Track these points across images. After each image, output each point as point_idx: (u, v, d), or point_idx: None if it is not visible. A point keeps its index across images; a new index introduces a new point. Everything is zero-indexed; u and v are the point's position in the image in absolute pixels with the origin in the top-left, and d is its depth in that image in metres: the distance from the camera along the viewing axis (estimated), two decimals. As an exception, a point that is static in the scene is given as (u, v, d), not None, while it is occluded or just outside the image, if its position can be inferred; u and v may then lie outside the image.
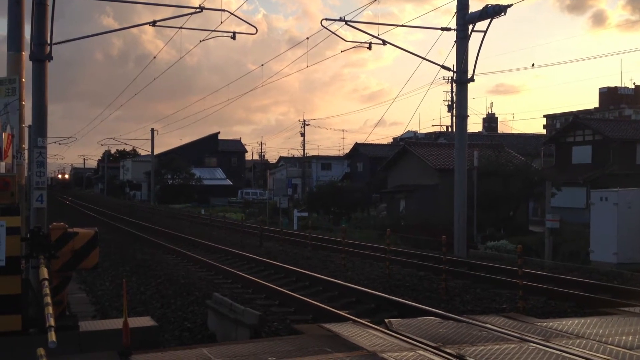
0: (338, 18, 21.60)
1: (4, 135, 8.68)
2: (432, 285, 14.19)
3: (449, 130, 61.05)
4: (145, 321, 8.06)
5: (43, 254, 7.00)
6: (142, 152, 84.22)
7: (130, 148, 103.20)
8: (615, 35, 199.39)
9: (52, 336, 4.78)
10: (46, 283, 6.02)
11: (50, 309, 5.33)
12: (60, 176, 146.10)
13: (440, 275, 14.15)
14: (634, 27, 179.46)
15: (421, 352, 6.89)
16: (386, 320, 8.63)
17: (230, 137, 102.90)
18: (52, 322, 5.05)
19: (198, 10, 17.30)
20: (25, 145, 13.03)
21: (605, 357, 6.77)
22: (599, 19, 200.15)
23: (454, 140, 23.22)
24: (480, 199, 26.60)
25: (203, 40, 21.35)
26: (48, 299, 5.59)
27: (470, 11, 21.33)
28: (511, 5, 19.63)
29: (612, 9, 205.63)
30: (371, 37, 22.28)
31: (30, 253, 7.13)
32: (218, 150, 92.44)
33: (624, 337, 7.69)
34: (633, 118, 77.99)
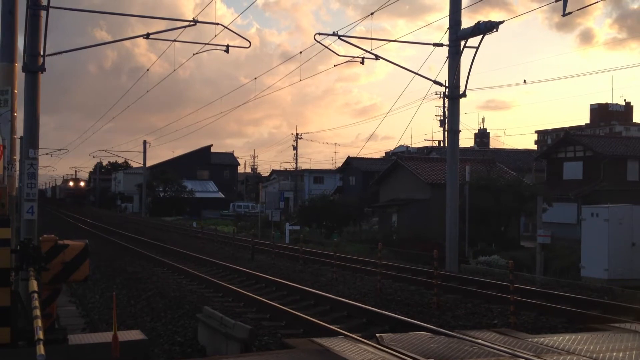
0: (331, 33, 21.72)
1: (-4, 146, 8.65)
2: (423, 299, 14.17)
3: (441, 145, 61.30)
4: (135, 335, 8.01)
5: (33, 266, 6.95)
6: (134, 164, 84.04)
7: (122, 160, 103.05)
8: (602, 53, 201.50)
9: (40, 349, 4.75)
10: (36, 295, 5.98)
11: (39, 322, 5.29)
12: (71, 184, 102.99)
13: (432, 289, 14.14)
14: (621, 45, 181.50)
15: (412, 367, 6.87)
16: (377, 335, 8.61)
17: (223, 150, 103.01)
18: (41, 334, 5.01)
19: (192, 23, 17.35)
20: (17, 157, 12.98)
21: (596, 373, 6.77)
22: (586, 37, 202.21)
23: (446, 155, 23.29)
24: (471, 214, 26.66)
25: (196, 53, 21.40)
26: (37, 312, 5.55)
27: (462, 27, 21.49)
28: (503, 21, 19.81)
29: (600, 27, 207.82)
30: (364, 51, 22.42)
31: (20, 265, 7.08)
32: (210, 163, 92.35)
33: (614, 354, 7.70)
34: (624, 134, 78.58)
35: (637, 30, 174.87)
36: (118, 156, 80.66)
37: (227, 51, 19.25)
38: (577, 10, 17.08)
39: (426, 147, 68.97)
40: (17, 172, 13.17)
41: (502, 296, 13.58)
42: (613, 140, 46.05)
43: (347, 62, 24.54)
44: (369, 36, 23.02)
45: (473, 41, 21.19)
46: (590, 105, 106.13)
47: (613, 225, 18.67)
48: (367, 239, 35.14)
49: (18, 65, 13.02)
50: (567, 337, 8.69)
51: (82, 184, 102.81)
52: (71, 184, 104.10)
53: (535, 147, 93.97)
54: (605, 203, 21.55)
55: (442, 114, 59.44)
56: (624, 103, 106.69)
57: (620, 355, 7.64)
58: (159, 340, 10.25)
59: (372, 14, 22.14)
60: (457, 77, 21.87)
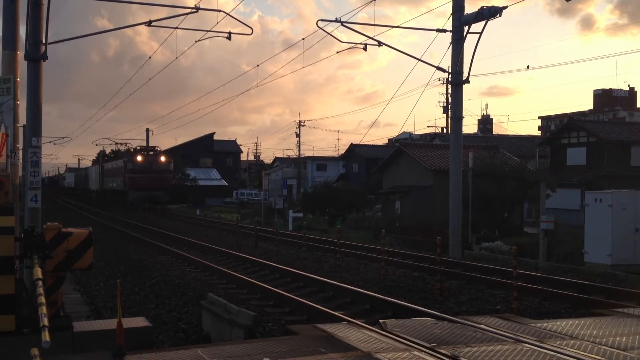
0: (334, 19, 21.65)
1: (-2, 134, 8.65)
2: (426, 286, 14.19)
3: (444, 131, 61.16)
4: (140, 322, 8.04)
5: (37, 254, 6.97)
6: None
7: (125, 148, 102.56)
8: (603, 39, 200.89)
9: (45, 336, 4.77)
10: (40, 283, 6.00)
11: (44, 309, 5.32)
12: (140, 158, 50.71)
13: (435, 276, 14.16)
14: (622, 30, 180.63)
15: (415, 352, 6.89)
16: (381, 320, 8.63)
17: (226, 138, 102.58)
18: (45, 322, 5.03)
19: (194, 10, 17.31)
20: (20, 145, 13.00)
21: (599, 358, 6.79)
22: (587, 23, 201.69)
23: (449, 142, 23.25)
24: (475, 200, 26.65)
25: (198, 40, 21.41)
26: (42, 299, 5.57)
27: (465, 13, 21.38)
28: (506, 7, 19.73)
29: (600, 13, 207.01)
30: (367, 38, 22.33)
31: (24, 253, 7.10)
32: (213, 151, 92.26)
33: (617, 338, 7.71)
34: (627, 120, 78.26)
35: (638, 16, 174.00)
36: (121, 144, 79.66)
37: (229, 38, 19.23)
38: (581, -6, 16.96)
39: (429, 134, 68.80)
40: (21, 161, 13.19)
41: (505, 282, 13.61)
42: (617, 126, 45.88)
43: (349, 48, 24.50)
44: (371, 23, 22.97)
45: (476, 27, 21.14)
46: (594, 90, 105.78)
47: (616, 210, 18.64)
48: (370, 226, 35.17)
49: (20, 53, 13.02)
50: (571, 322, 8.71)
51: (162, 159, 51.49)
52: (139, 158, 50.55)
53: (538, 133, 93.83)
54: (609, 189, 21.51)
55: (445, 100, 59.30)
56: (627, 88, 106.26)
57: (624, 340, 7.65)
58: (163, 327, 10.31)
59: (374, 0, 22.04)
60: (460, 63, 21.78)
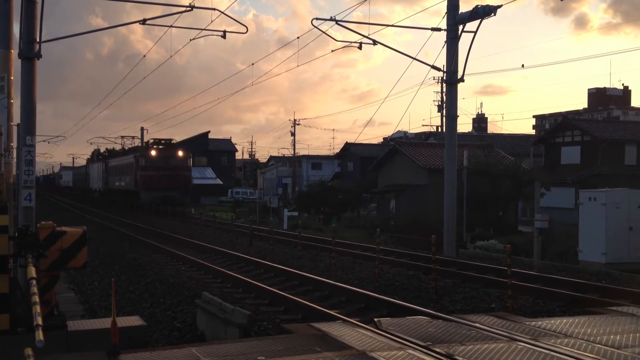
0: (328, 18, 21.64)
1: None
2: (421, 284, 14.21)
3: (439, 130, 61.26)
4: (134, 321, 8.03)
5: (31, 253, 6.95)
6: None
7: (120, 147, 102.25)
8: (597, 38, 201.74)
9: (39, 335, 4.76)
10: (34, 282, 5.98)
11: (38, 308, 5.30)
12: (154, 153, 45.92)
13: (430, 274, 14.18)
14: (616, 29, 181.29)
15: (410, 351, 6.90)
16: (375, 319, 8.64)
17: (220, 137, 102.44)
18: (39, 321, 5.01)
19: (188, 9, 17.28)
20: (14, 144, 12.96)
21: (594, 356, 6.81)
22: (581, 22, 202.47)
23: (444, 140, 23.28)
24: (469, 199, 26.69)
25: (193, 39, 21.30)
26: (36, 298, 5.56)
27: (460, 12, 21.40)
28: (501, 6, 19.75)
29: (594, 12, 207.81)
30: (362, 36, 22.32)
31: (18, 252, 7.08)
32: (208, 150, 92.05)
33: (612, 337, 7.74)
34: (622, 119, 78.46)
35: (631, 15, 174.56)
36: (115, 143, 79.21)
37: (224, 37, 19.20)
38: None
39: (424, 133, 68.90)
40: (15, 159, 13.14)
41: (500, 280, 13.62)
42: (611, 125, 46.00)
43: (344, 47, 24.50)
44: (366, 21, 22.98)
45: (471, 26, 21.15)
46: (589, 89, 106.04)
47: (610, 209, 18.70)
48: (365, 225, 35.17)
49: (14, 52, 12.97)
50: (565, 321, 8.73)
51: (180, 153, 46.05)
52: (153, 152, 45.22)
53: (533, 132, 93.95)
54: (603, 187, 21.58)
55: (440, 99, 59.45)
56: (622, 87, 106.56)
57: (618, 338, 7.68)
58: (158, 326, 10.29)
59: (369, -2, 22.04)
60: (455, 62, 21.79)
